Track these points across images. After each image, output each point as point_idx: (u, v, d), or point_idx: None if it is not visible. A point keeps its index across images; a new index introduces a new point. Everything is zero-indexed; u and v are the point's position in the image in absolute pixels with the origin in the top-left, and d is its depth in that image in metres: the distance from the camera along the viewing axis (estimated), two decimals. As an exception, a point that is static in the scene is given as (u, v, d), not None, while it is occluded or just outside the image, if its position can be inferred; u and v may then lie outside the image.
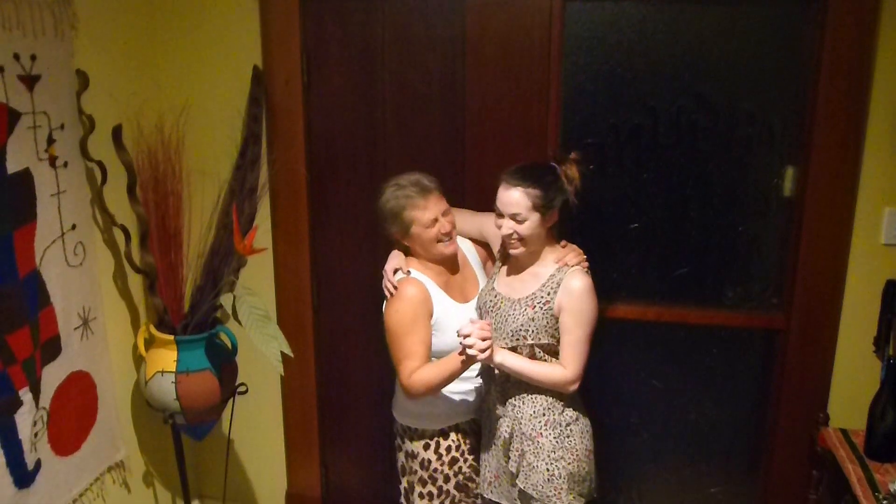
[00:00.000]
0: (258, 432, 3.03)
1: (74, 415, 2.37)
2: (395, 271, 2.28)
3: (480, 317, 2.27)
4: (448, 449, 2.34)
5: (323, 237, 2.81)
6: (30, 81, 2.09)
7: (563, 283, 2.10)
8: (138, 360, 2.66)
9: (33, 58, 2.10)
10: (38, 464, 2.21)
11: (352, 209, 2.76)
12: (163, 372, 2.48)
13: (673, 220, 2.55)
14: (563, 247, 2.21)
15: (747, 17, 2.36)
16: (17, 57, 2.04)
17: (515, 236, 2.10)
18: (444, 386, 2.21)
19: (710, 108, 2.43)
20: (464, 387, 2.32)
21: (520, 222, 2.08)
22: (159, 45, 2.71)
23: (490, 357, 2.08)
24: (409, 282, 2.24)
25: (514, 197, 2.07)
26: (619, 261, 2.60)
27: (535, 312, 2.11)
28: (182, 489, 2.78)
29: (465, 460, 2.37)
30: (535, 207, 2.07)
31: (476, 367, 2.31)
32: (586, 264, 2.18)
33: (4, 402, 2.07)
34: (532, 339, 2.12)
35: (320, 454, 3.02)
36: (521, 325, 2.12)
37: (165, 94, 2.73)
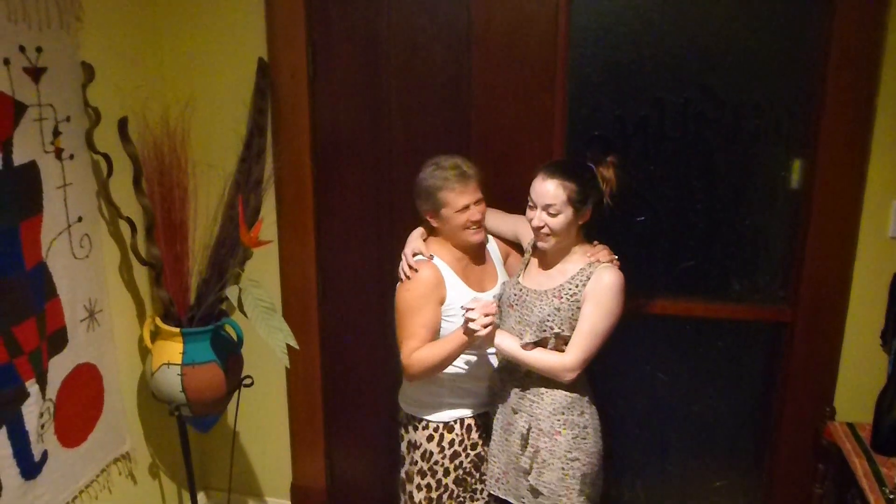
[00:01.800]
0: (263, 424, 3.04)
1: (80, 406, 2.38)
2: (415, 255, 2.28)
3: (502, 310, 2.26)
4: (451, 442, 2.34)
5: (328, 229, 2.81)
6: (35, 73, 2.10)
7: (595, 276, 2.10)
8: (144, 353, 2.66)
9: (39, 50, 2.10)
10: (44, 455, 2.22)
11: (357, 201, 2.76)
12: (169, 364, 2.49)
13: (679, 212, 2.54)
14: (594, 246, 2.21)
15: (755, 8, 2.34)
16: (22, 49, 2.04)
17: (546, 230, 2.09)
18: (443, 367, 2.21)
19: (717, 100, 2.42)
20: (470, 381, 2.32)
21: (552, 215, 2.07)
22: (165, 37, 2.71)
23: (490, 335, 2.09)
24: (425, 264, 2.24)
25: (549, 189, 2.06)
26: (625, 253, 2.58)
27: (562, 303, 2.11)
28: (188, 481, 2.79)
29: (467, 455, 2.36)
30: (570, 201, 2.06)
31: (486, 364, 2.32)
32: (618, 263, 2.17)
33: (11, 393, 2.07)
34: (557, 329, 2.11)
35: (325, 446, 3.03)
36: (548, 314, 2.11)
37: (171, 86, 2.73)
